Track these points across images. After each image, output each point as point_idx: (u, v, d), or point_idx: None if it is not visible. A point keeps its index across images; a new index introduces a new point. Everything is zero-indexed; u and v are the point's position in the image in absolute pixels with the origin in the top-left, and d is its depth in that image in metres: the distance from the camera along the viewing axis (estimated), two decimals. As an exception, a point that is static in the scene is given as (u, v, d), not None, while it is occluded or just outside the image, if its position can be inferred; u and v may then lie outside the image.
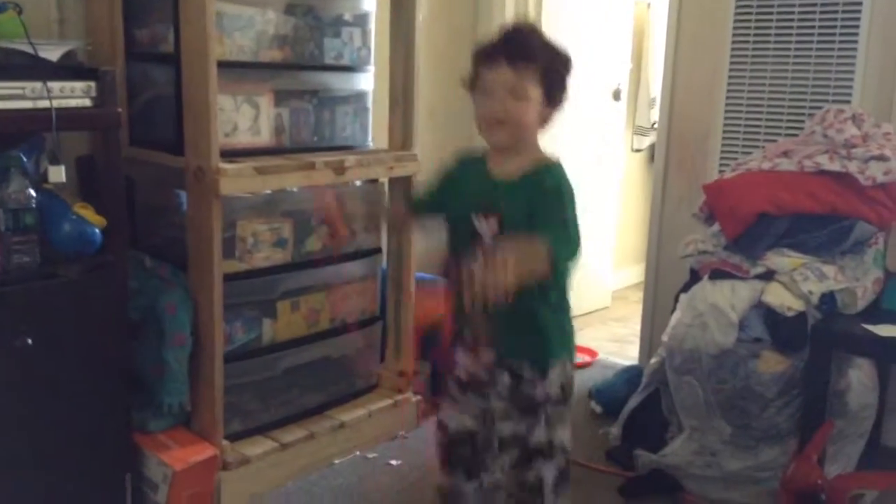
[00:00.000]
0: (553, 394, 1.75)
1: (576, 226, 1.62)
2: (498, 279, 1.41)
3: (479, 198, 1.71)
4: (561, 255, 1.57)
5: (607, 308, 4.56)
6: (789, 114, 2.96)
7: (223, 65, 2.26)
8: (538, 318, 1.73)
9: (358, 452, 2.71)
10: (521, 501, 1.79)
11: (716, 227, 2.66)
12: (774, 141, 2.93)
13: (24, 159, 1.98)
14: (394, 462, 2.65)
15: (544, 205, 1.65)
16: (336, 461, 2.66)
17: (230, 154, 2.34)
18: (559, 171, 1.71)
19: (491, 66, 1.64)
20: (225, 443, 2.39)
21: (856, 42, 2.80)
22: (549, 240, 1.54)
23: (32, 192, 1.91)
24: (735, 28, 3.04)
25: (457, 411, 1.83)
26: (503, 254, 1.43)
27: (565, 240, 1.58)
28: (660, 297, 3.36)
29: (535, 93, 1.64)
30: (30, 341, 1.90)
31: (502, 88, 1.63)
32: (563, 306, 1.78)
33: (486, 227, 1.69)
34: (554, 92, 1.67)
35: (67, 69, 2.00)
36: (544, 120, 1.70)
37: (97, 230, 2.05)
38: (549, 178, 1.69)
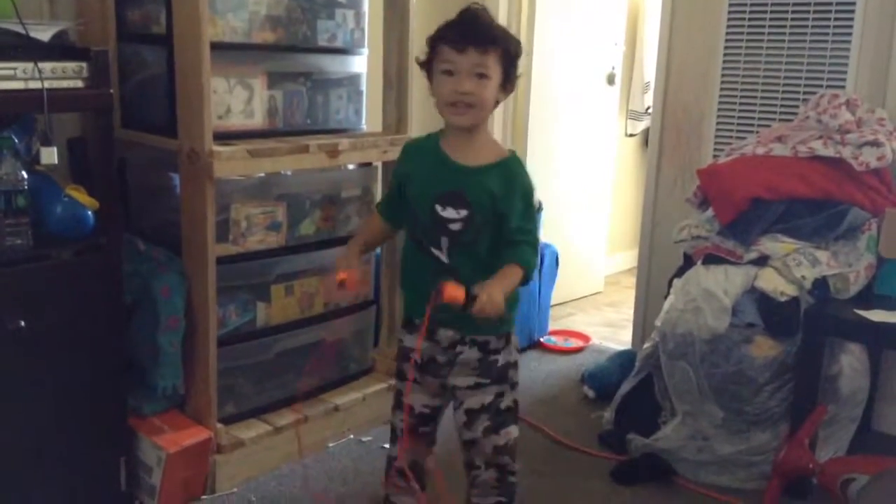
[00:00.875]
0: (514, 358, 1.85)
1: (537, 226, 1.80)
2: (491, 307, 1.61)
3: (443, 184, 1.73)
4: (531, 266, 1.72)
5: (600, 293, 4.57)
6: (783, 99, 2.96)
7: (216, 46, 2.24)
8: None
9: (352, 436, 2.72)
10: (498, 464, 1.84)
11: (709, 212, 2.67)
12: (769, 126, 2.93)
13: (16, 141, 1.97)
14: (388, 445, 2.65)
15: (520, 204, 1.73)
16: (330, 444, 2.66)
17: (223, 136, 2.33)
18: (522, 164, 1.79)
19: (457, 47, 1.66)
20: (219, 426, 2.39)
21: (850, 27, 2.80)
22: (522, 249, 1.71)
23: (24, 174, 1.90)
24: (730, 12, 3.03)
25: (419, 392, 1.87)
26: (490, 298, 1.60)
27: (534, 249, 1.75)
28: (653, 282, 3.37)
29: (496, 74, 1.69)
30: (22, 324, 1.89)
31: (469, 70, 1.66)
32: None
33: (454, 213, 1.71)
34: (510, 75, 1.72)
35: (59, 50, 1.98)
36: (497, 103, 1.75)
37: (90, 212, 2.03)
38: (521, 173, 1.76)
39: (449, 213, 1.71)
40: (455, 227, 1.71)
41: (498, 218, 1.71)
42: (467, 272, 1.70)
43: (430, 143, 1.80)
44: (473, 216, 1.70)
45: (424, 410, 1.89)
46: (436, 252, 1.74)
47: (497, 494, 1.85)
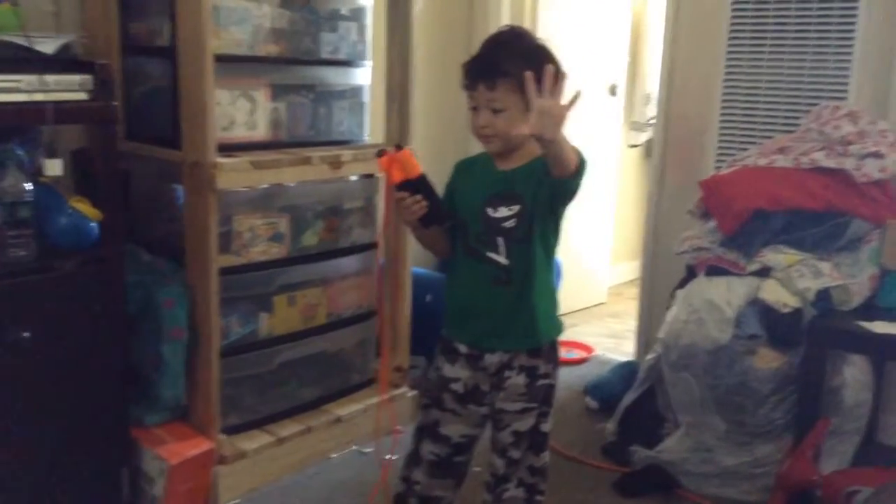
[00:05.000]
0: (556, 381, 1.84)
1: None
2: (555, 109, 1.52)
3: (490, 188, 1.76)
4: (583, 159, 1.65)
5: (603, 304, 4.57)
6: (786, 110, 2.96)
7: (220, 59, 2.25)
8: (544, 308, 1.79)
9: (354, 447, 2.71)
10: (529, 484, 1.81)
11: (712, 223, 2.66)
12: (771, 137, 2.93)
13: (20, 153, 1.98)
14: (390, 456, 2.65)
15: None
16: (332, 455, 2.66)
17: (227, 148, 2.34)
18: None
19: (468, 86, 1.71)
20: (221, 437, 2.39)
21: (852, 39, 2.80)
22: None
23: (28, 186, 1.91)
24: (732, 24, 3.04)
25: (459, 423, 1.84)
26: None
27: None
28: (656, 293, 3.36)
29: (511, 104, 1.68)
30: (26, 335, 1.89)
31: (484, 105, 1.70)
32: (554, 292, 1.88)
33: (506, 210, 1.73)
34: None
35: (63, 62, 1.99)
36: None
37: (93, 224, 2.04)
38: None
39: (501, 212, 1.73)
40: (509, 224, 1.73)
41: (546, 197, 1.70)
42: (522, 271, 1.73)
43: (480, 157, 1.85)
44: (525, 208, 1.72)
45: (462, 440, 1.85)
46: (493, 256, 1.74)
47: None
